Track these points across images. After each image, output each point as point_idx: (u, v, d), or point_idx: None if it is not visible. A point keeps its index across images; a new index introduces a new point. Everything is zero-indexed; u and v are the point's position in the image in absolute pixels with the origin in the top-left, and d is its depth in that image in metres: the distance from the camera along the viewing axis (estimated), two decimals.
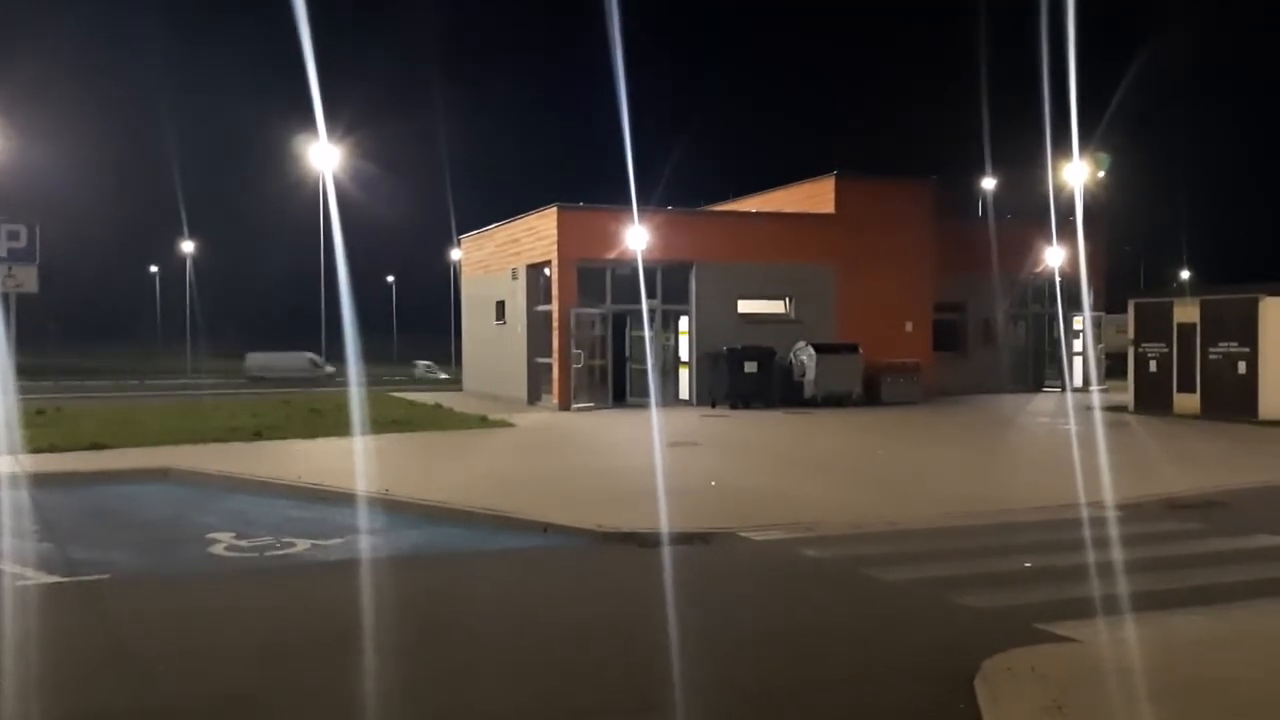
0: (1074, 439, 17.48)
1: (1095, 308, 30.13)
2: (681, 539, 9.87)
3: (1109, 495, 11.88)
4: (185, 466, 14.59)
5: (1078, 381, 30.22)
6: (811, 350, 24.93)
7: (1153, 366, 23.06)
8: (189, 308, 77.21)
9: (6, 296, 15.96)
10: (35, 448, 15.85)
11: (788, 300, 26.69)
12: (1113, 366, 30.85)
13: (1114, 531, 10.15)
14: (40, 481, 13.49)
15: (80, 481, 13.89)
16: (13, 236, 15.91)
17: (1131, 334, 23.63)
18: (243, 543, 10.22)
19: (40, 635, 7.16)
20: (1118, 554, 9.13)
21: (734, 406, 24.36)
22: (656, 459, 14.81)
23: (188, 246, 78.51)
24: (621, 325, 26.15)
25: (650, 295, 24.87)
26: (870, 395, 25.52)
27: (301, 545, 10.13)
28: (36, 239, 16.10)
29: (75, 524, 11.25)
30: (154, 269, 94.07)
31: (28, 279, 16.01)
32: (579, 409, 24.50)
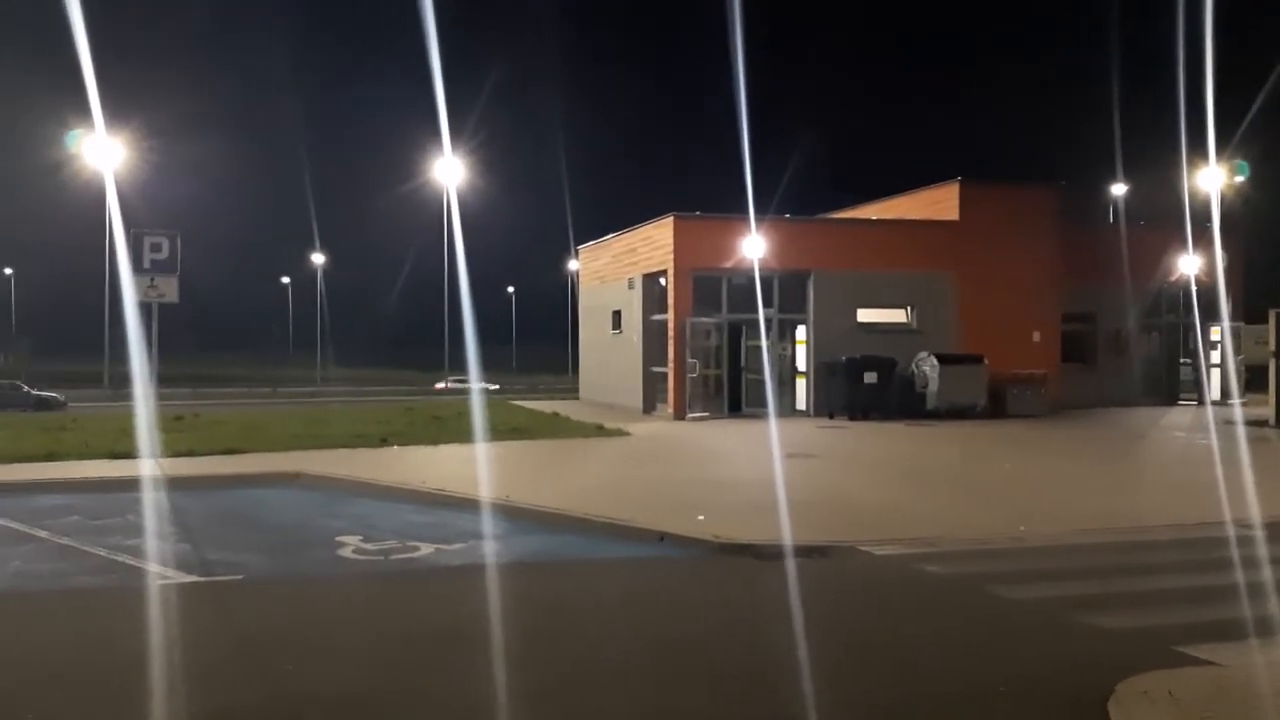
0: (1211, 454, 16.74)
1: (1233, 318, 28.87)
2: (799, 552, 9.75)
3: (1250, 513, 11.33)
4: (315, 471, 15.04)
5: (1215, 394, 28.97)
6: (934, 361, 24.43)
7: None
8: (319, 318, 79.83)
9: (149, 306, 16.64)
10: (174, 452, 16.53)
11: (909, 309, 26.24)
12: (1252, 379, 29.47)
13: (1256, 551, 9.67)
14: (178, 484, 14.06)
15: (215, 484, 14.45)
16: (155, 248, 16.56)
17: (1272, 345, 22.55)
18: (369, 546, 10.47)
19: (178, 633, 7.43)
20: (1260, 574, 8.70)
21: (852, 418, 24.02)
22: (773, 470, 14.68)
23: (318, 258, 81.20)
24: (737, 334, 26.04)
25: (767, 304, 24.72)
26: (995, 407, 24.88)
27: (425, 549, 10.33)
28: (178, 250, 16.76)
29: (211, 526, 11.68)
30: (285, 280, 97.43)
31: (169, 289, 16.65)
32: (694, 419, 24.48)
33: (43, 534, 11.06)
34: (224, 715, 5.77)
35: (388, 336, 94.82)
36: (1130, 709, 5.51)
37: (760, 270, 24.14)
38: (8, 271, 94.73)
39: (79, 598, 8.69)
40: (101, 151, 40.96)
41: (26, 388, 42.98)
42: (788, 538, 10.02)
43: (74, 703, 6.01)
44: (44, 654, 6.96)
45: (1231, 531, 10.56)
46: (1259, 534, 10.52)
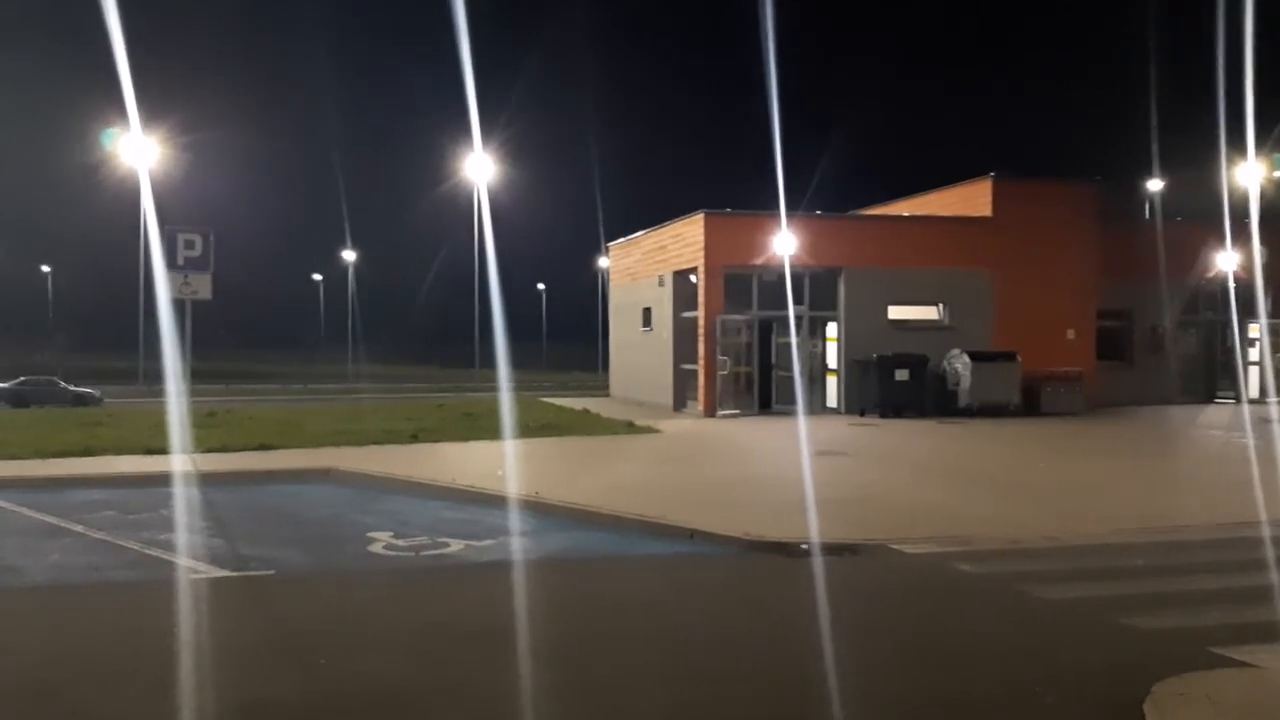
0: (1251, 453, 16.51)
1: (1273, 315, 28.47)
2: (830, 550, 9.71)
3: None
4: (346, 467, 15.11)
5: (1253, 393, 28.59)
6: (967, 358, 24.24)
7: None
8: (350, 315, 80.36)
9: (183, 303, 16.77)
10: (207, 448, 16.67)
11: (941, 306, 26.05)
12: None
13: None
14: (211, 480, 14.17)
15: (248, 480, 14.54)
16: (189, 245, 16.68)
17: None
18: (400, 542, 10.51)
19: (211, 627, 7.50)
20: None
21: (884, 415, 23.88)
22: (804, 468, 14.61)
23: (349, 255, 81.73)
24: (768, 332, 25.94)
25: (798, 301, 24.63)
26: (1029, 405, 24.65)
27: (455, 545, 10.35)
28: (211, 248, 16.87)
29: (243, 521, 11.76)
30: (317, 277, 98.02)
31: (203, 286, 16.77)
32: (724, 416, 24.43)
33: (79, 528, 11.18)
34: (257, 708, 5.80)
35: (419, 333, 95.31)
36: (1167, 711, 5.43)
37: (791, 267, 24.05)
38: (45, 269, 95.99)
39: (114, 591, 8.78)
40: (136, 150, 41.43)
41: (63, 384, 43.51)
42: (819, 536, 9.98)
43: (109, 694, 6.06)
44: (80, 646, 7.03)
45: (1270, 532, 10.40)
46: None
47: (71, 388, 42.99)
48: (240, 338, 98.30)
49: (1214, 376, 30.24)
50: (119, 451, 16.62)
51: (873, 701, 5.91)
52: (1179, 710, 5.45)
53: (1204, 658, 6.44)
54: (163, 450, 16.30)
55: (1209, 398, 29.52)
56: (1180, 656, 6.39)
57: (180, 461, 15.24)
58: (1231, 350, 29.35)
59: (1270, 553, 9.40)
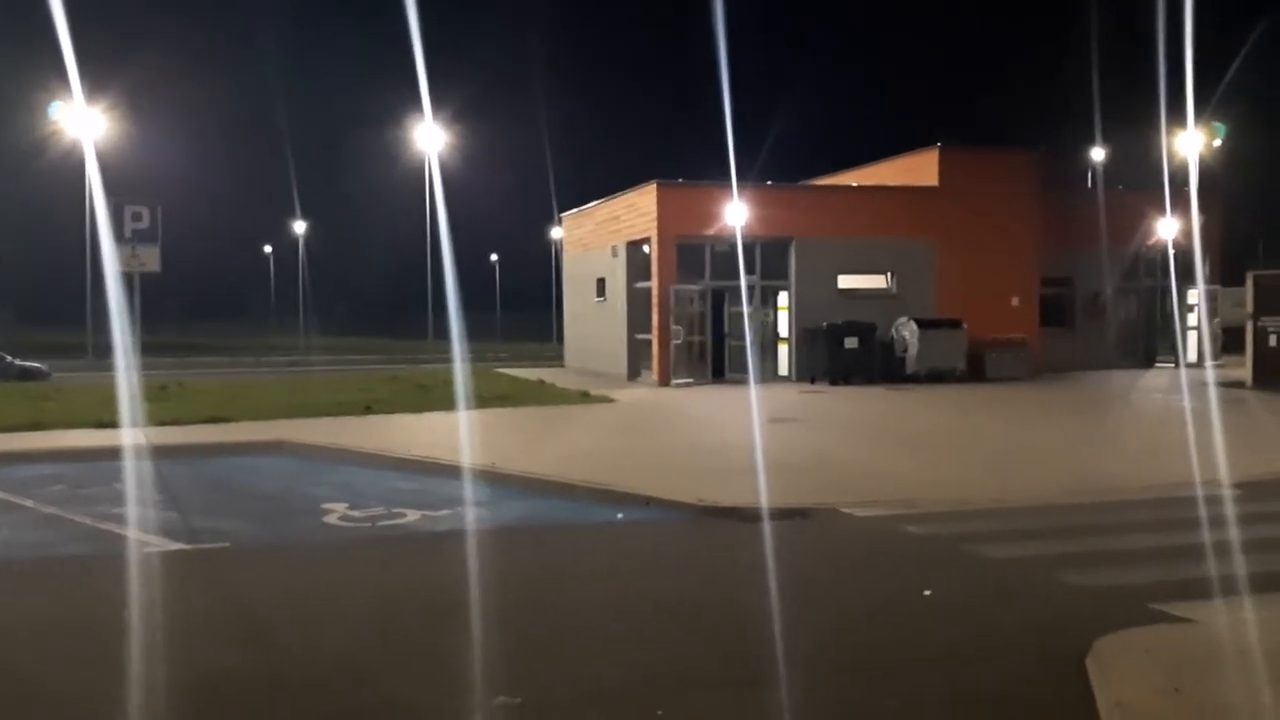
0: (1188, 415, 16.94)
1: (1211, 281, 29.08)
2: (782, 514, 9.87)
3: (1225, 473, 11.50)
4: (299, 439, 15.05)
5: (1191, 357, 29.24)
6: (914, 325, 24.58)
7: (1273, 341, 22.19)
8: (301, 287, 79.36)
9: (131, 276, 16.57)
10: (158, 421, 16.51)
11: (889, 275, 26.34)
12: (1229, 341, 29.76)
13: (1231, 510, 9.83)
14: (163, 453, 14.07)
15: (200, 453, 14.46)
16: (136, 218, 16.47)
17: (1250, 308, 22.78)
18: (355, 513, 10.53)
19: (165, 600, 7.48)
20: (1235, 533, 8.84)
21: (834, 383, 24.17)
22: (756, 435, 14.79)
23: (299, 227, 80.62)
24: (720, 301, 26.09)
25: (749, 271, 24.78)
26: (974, 371, 25.06)
27: (411, 516, 10.40)
28: (158, 220, 16.67)
29: (196, 494, 11.71)
30: (267, 249, 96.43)
31: (151, 259, 16.58)
32: (678, 385, 24.58)
33: (29, 503, 11.08)
34: (211, 680, 5.81)
35: (372, 305, 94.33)
36: (1107, 665, 5.60)
37: (743, 237, 24.16)
38: None
39: (66, 566, 8.72)
40: (81, 121, 40.57)
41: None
42: (770, 500, 10.14)
43: (61, 670, 6.05)
44: (31, 622, 6.99)
45: (1207, 491, 10.70)
46: (1235, 493, 10.67)
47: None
48: (190, 310, 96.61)
49: (1154, 342, 30.86)
50: (69, 426, 16.43)
51: (823, 661, 6.06)
52: (1119, 664, 5.62)
53: (1143, 614, 6.64)
54: (113, 424, 16.12)
55: (1149, 362, 30.13)
56: (1121, 612, 6.58)
57: (131, 435, 15.08)
58: (1170, 316, 29.97)
59: (1205, 512, 9.70)
